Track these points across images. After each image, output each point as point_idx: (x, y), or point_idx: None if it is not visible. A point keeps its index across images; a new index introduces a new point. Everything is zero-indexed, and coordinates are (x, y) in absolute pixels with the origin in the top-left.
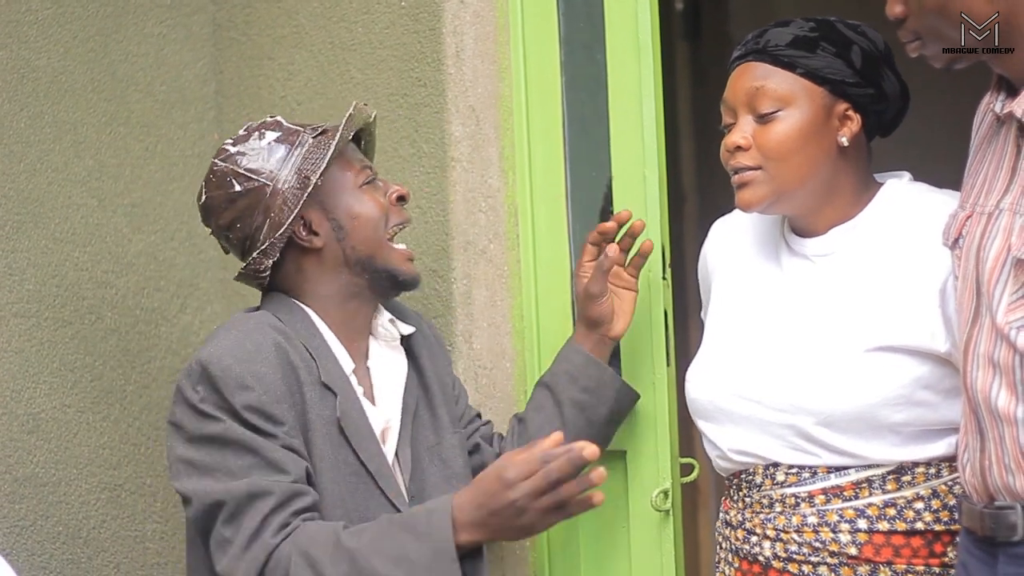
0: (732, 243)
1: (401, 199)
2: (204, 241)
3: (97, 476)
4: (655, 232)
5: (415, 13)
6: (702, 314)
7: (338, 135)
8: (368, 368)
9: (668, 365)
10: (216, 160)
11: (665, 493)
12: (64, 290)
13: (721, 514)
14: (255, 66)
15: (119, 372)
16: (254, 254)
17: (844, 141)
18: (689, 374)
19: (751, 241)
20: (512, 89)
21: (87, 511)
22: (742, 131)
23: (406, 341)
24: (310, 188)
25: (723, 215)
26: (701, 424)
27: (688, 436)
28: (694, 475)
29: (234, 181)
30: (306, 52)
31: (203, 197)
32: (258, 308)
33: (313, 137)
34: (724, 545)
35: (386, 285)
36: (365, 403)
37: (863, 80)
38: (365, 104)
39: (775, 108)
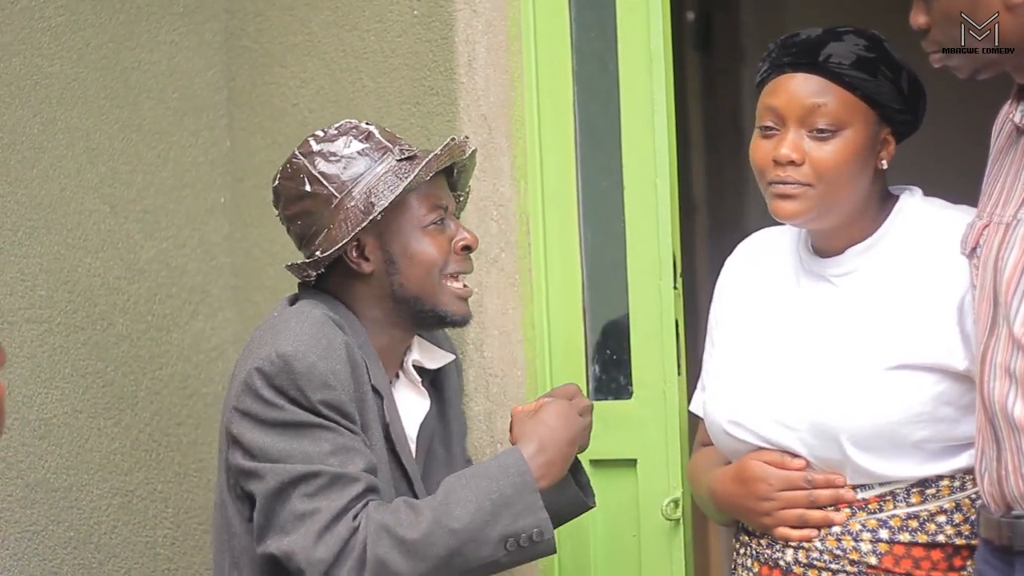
0: (752, 266)
1: (467, 248)
2: (216, 248)
3: (108, 482)
4: (666, 241)
5: (428, 22)
6: (710, 323)
7: (414, 174)
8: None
9: (679, 374)
10: (297, 151)
11: (676, 502)
12: (76, 296)
13: (741, 522)
14: (267, 74)
15: (130, 378)
16: (301, 262)
17: (884, 165)
18: (708, 396)
19: (770, 263)
20: (524, 98)
21: (98, 516)
22: (795, 145)
23: (433, 373)
24: (371, 218)
25: (733, 224)
26: (727, 444)
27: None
28: None
29: (306, 179)
30: (318, 60)
31: (276, 181)
32: (302, 297)
33: (398, 160)
34: (742, 551)
35: (431, 322)
36: None
37: (906, 106)
38: (466, 138)
39: (834, 128)
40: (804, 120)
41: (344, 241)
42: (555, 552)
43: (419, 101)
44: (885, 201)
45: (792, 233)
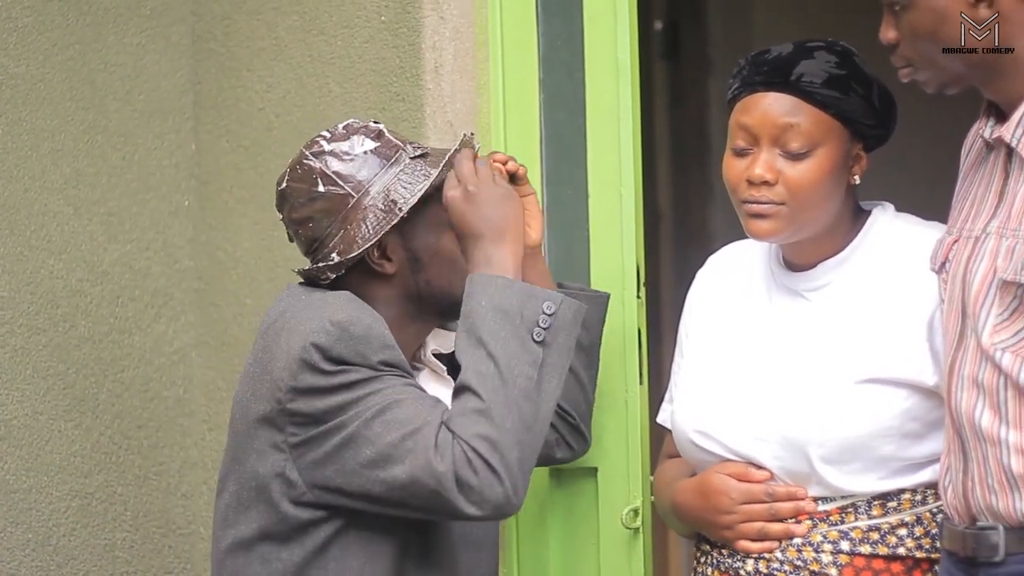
0: (723, 279)
1: None
2: (179, 251)
3: (68, 484)
4: (630, 250)
5: (395, 28)
6: (679, 335)
7: (437, 172)
8: None
9: (641, 383)
10: (307, 152)
11: (635, 511)
12: (38, 298)
13: (700, 532)
14: (234, 78)
15: (92, 380)
16: (319, 264)
17: (857, 180)
18: (676, 407)
19: (741, 276)
20: (490, 105)
21: (57, 519)
22: (768, 165)
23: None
24: (396, 219)
25: (698, 234)
26: (694, 455)
27: (659, 454)
28: None
29: (319, 180)
30: (285, 65)
31: (283, 183)
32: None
33: (411, 158)
34: (703, 560)
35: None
36: None
37: (878, 122)
38: (472, 134)
39: (807, 148)
40: (777, 139)
41: (369, 243)
42: (582, 314)
43: (385, 107)
44: (857, 216)
45: (763, 246)
